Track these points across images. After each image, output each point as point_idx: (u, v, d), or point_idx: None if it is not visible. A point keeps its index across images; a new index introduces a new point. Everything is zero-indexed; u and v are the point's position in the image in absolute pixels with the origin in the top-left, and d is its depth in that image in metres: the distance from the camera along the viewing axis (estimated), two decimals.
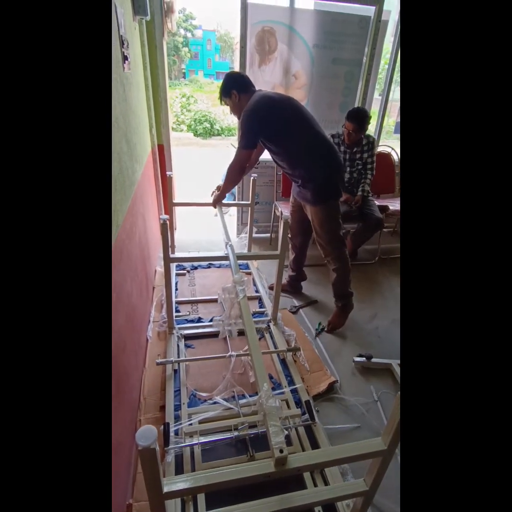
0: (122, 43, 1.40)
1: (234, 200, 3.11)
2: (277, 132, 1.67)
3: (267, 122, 1.63)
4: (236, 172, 1.77)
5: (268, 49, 2.50)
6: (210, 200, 1.97)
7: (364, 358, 1.76)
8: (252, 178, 2.27)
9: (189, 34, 26.14)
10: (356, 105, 2.78)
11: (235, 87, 1.69)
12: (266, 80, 2.57)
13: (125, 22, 1.49)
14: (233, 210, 3.37)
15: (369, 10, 2.56)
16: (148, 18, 1.99)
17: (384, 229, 2.69)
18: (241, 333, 1.80)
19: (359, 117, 2.20)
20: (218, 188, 1.98)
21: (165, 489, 0.67)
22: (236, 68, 2.51)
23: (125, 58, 1.45)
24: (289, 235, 2.19)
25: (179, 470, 1.18)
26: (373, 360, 1.76)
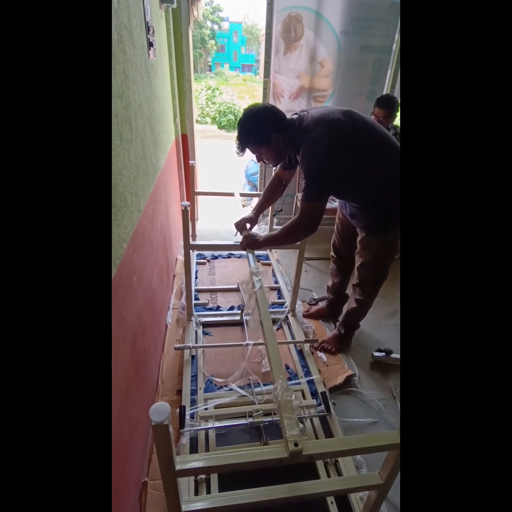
0: (148, 29, 1.41)
1: (256, 190, 3.09)
2: (351, 166, 1.28)
3: (341, 158, 1.24)
4: (303, 233, 1.33)
5: (294, 36, 2.45)
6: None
7: (384, 353, 1.72)
8: (274, 168, 2.24)
9: (215, 27, 26.16)
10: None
11: (275, 129, 1.26)
12: (291, 68, 2.52)
13: (151, 8, 1.49)
14: (255, 201, 3.36)
15: None
16: (175, 6, 1.99)
17: None
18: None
19: (390, 103, 2.16)
20: (245, 220, 1.53)
21: (178, 467, 0.68)
22: (261, 57, 2.47)
23: (150, 44, 1.46)
24: (333, 255, 1.84)
25: (193, 452, 1.19)
26: (393, 355, 1.71)
